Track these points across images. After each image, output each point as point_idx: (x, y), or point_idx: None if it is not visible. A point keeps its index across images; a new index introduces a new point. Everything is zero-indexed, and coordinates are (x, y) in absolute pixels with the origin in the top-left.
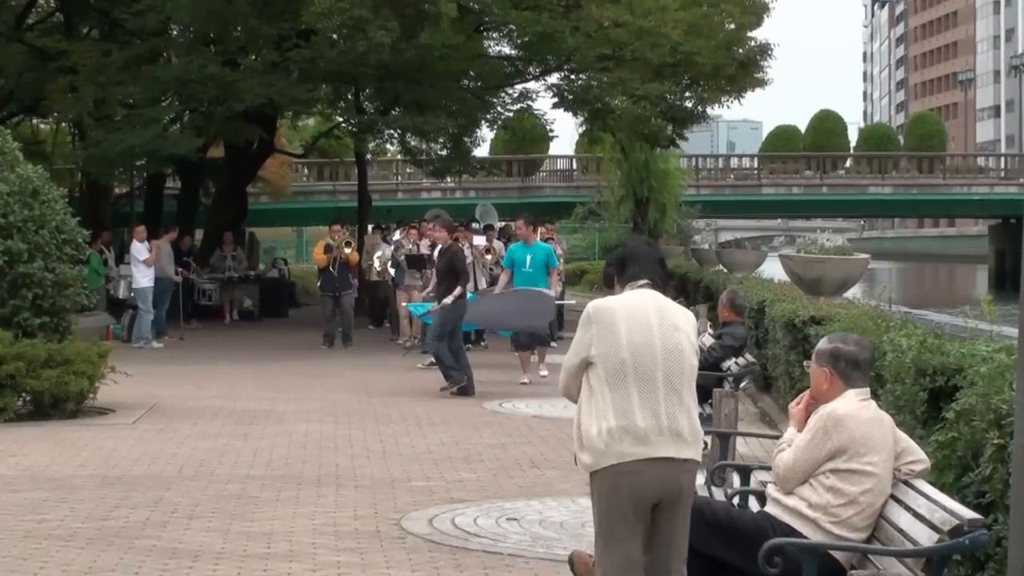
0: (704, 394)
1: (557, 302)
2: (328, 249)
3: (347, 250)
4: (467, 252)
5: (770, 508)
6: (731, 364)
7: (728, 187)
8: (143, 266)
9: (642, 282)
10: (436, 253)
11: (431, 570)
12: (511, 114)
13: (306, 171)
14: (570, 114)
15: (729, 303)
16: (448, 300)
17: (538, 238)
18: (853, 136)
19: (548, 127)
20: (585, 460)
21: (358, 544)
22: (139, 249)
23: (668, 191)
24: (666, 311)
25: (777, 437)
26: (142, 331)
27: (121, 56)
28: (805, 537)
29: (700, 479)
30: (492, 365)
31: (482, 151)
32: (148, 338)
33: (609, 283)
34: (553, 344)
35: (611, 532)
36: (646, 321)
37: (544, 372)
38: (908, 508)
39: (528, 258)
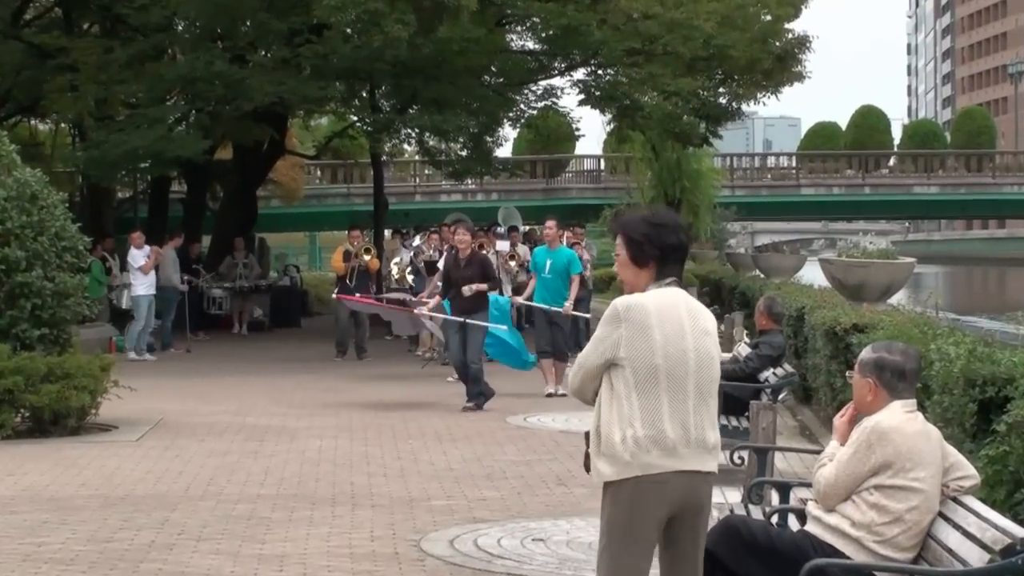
0: (740, 406)
1: (579, 313)
2: (347, 256)
3: (367, 257)
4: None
5: (810, 527)
6: (769, 375)
7: (765, 188)
8: (140, 274)
9: (671, 279)
10: (444, 259)
11: None
12: (535, 112)
13: (319, 173)
14: (597, 112)
15: (767, 310)
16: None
17: (563, 243)
18: (897, 133)
19: (574, 125)
20: (604, 470)
21: (375, 567)
22: (136, 256)
23: (701, 192)
24: (696, 314)
25: (818, 452)
26: (131, 341)
27: (123, 53)
28: (848, 557)
29: (737, 497)
30: (516, 376)
31: (504, 151)
32: (140, 347)
33: (640, 257)
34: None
35: (624, 547)
36: (680, 325)
37: (556, 389)
38: (957, 526)
39: (548, 263)
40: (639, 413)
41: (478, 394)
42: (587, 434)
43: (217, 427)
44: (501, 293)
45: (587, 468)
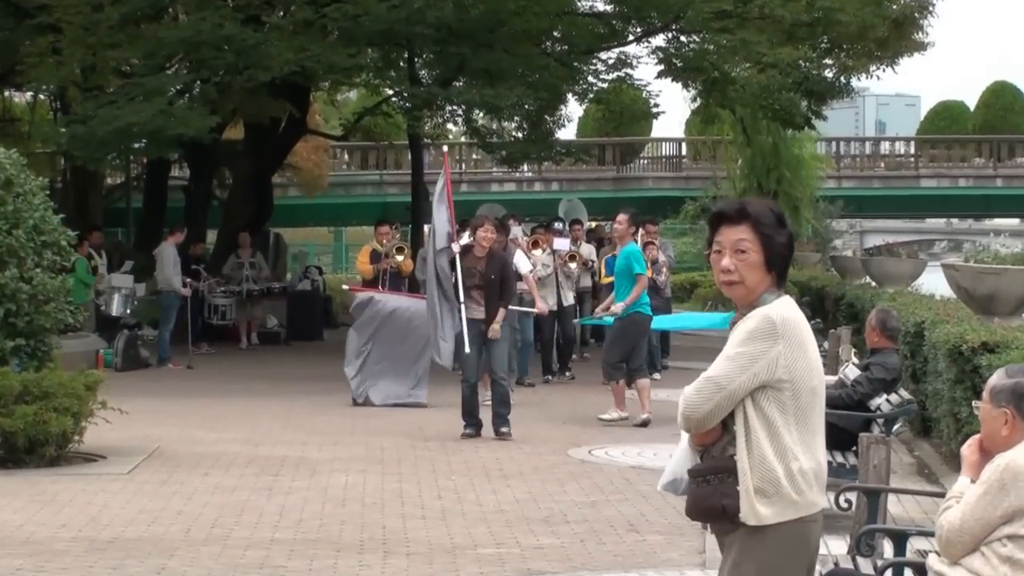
0: (847, 439)
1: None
2: (375, 256)
3: (399, 257)
4: (545, 259)
5: None
6: (881, 402)
7: (877, 178)
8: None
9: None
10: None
11: None
12: (605, 86)
13: (347, 157)
14: (679, 85)
15: (879, 325)
16: (496, 323)
17: (635, 241)
18: None
19: (651, 102)
20: (764, 511)
21: None
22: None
23: (802, 183)
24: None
25: (939, 495)
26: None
27: (115, 12)
28: None
29: (843, 547)
30: (579, 401)
31: (568, 132)
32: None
33: (775, 260)
34: (656, 376)
35: None
36: (812, 340)
37: (646, 415)
38: None
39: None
40: (799, 443)
41: (504, 420)
42: (699, 470)
43: (223, 458)
44: (560, 304)
45: (709, 510)
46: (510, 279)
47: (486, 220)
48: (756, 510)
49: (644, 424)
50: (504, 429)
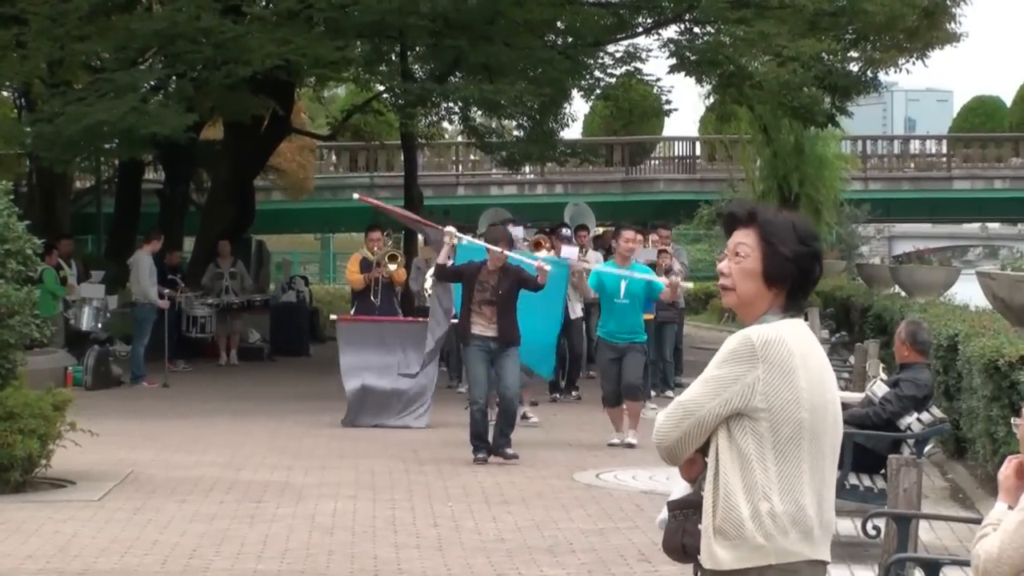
0: (875, 462)
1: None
2: (366, 265)
3: (392, 266)
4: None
5: None
6: (912, 421)
7: (907, 180)
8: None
9: (795, 311)
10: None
11: None
12: (613, 81)
13: (334, 159)
14: (693, 80)
15: (910, 339)
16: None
17: (650, 247)
18: None
19: (663, 98)
20: (723, 555)
21: None
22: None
23: (825, 185)
24: (822, 351)
25: (975, 521)
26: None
27: (84, 2)
28: None
29: None
30: (585, 422)
31: (573, 131)
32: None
33: (776, 274)
34: (669, 393)
35: None
36: (819, 369)
37: (632, 439)
38: None
39: (623, 285)
40: (776, 482)
41: (508, 440)
42: (675, 503)
43: (202, 483)
44: (568, 315)
45: (672, 549)
46: (530, 278)
47: (502, 240)
48: (713, 552)
49: (628, 446)
50: (510, 451)
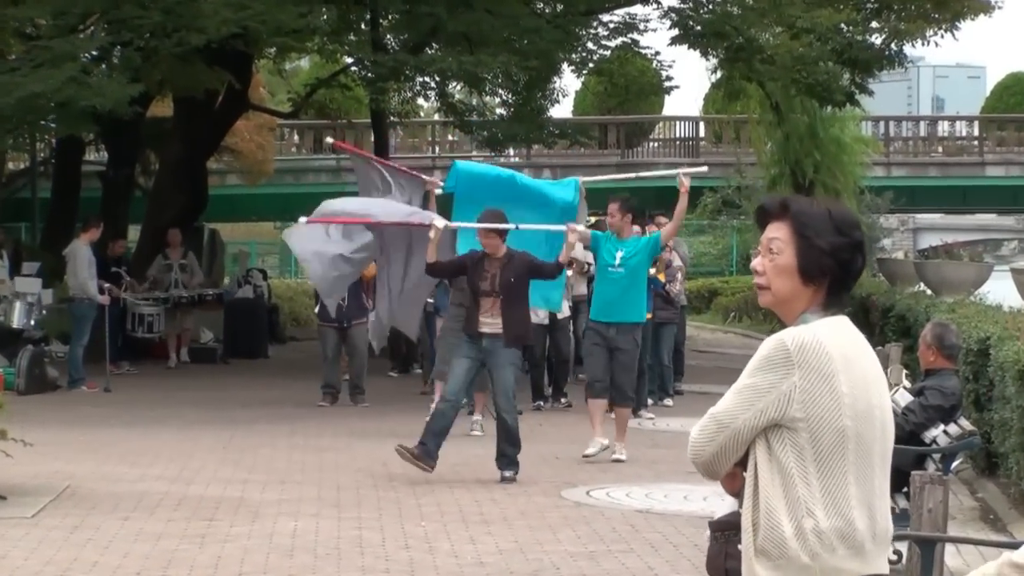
0: (898, 478)
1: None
2: None
3: None
4: None
5: None
6: (938, 434)
7: (934, 165)
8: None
9: (837, 310)
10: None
11: None
12: (607, 53)
13: (297, 138)
14: (696, 54)
15: (936, 342)
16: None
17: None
18: None
19: (663, 74)
20: (767, 575)
21: None
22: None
23: (843, 171)
24: (871, 352)
25: (1008, 545)
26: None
27: None
28: None
29: None
30: (575, 431)
31: (563, 109)
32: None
33: (813, 270)
34: (668, 402)
35: None
36: (864, 372)
37: (621, 455)
38: None
39: (619, 254)
40: (820, 496)
41: (512, 459)
42: (716, 523)
43: (148, 499)
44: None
45: (715, 572)
46: (544, 264)
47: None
48: (755, 574)
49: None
50: (509, 473)
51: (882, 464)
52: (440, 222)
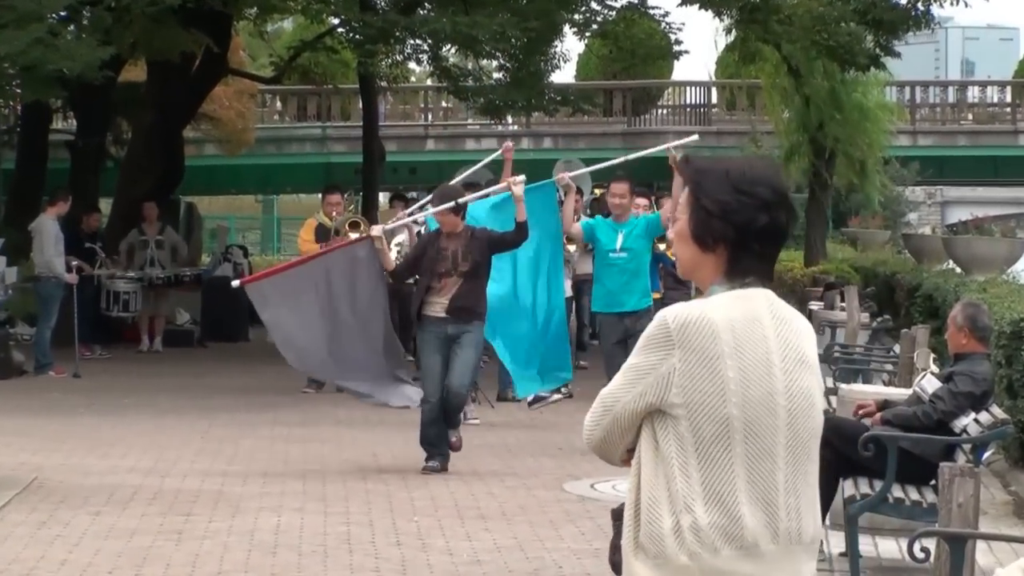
0: (924, 471)
1: None
2: (322, 233)
3: (353, 235)
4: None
5: None
6: (968, 422)
7: (963, 134)
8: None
9: (750, 278)
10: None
11: None
12: (612, 14)
13: (279, 105)
14: (708, 14)
15: (968, 324)
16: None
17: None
18: None
19: (672, 36)
20: (643, 574)
21: None
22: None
23: (867, 140)
24: (788, 330)
25: None
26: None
27: None
28: None
29: None
30: (577, 422)
31: (565, 74)
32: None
33: (704, 235)
34: None
35: None
36: (764, 353)
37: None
38: None
39: (619, 238)
40: (701, 488)
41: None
42: (615, 512)
43: (120, 493)
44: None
45: (615, 566)
46: (504, 236)
47: (447, 199)
48: (634, 571)
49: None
50: (434, 463)
51: (791, 456)
52: (376, 229)
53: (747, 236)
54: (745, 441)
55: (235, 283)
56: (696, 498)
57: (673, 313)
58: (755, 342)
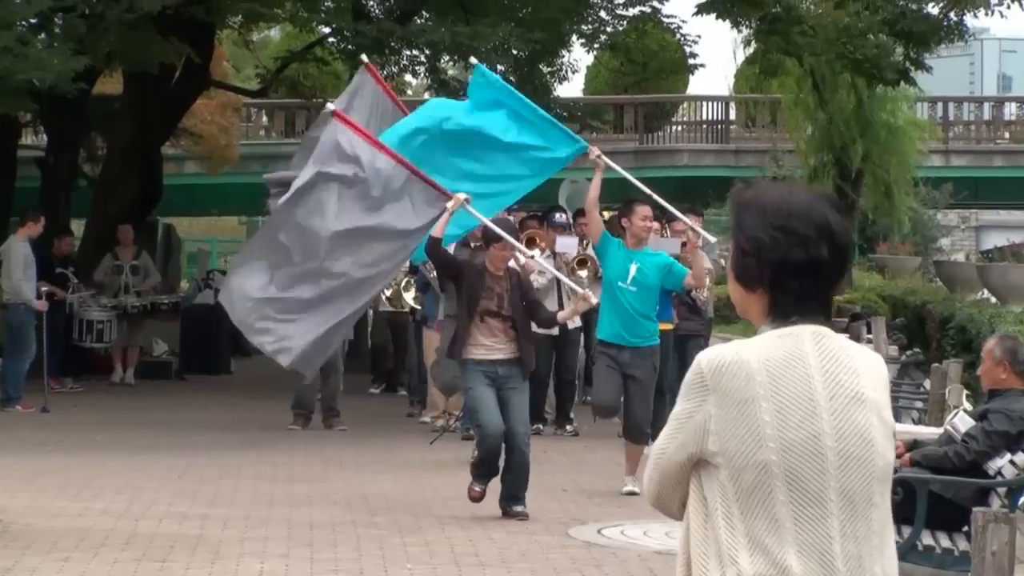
0: (956, 516)
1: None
2: None
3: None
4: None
5: None
6: (1004, 464)
7: (999, 154)
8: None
9: (795, 318)
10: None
11: None
12: (623, 25)
13: (265, 120)
14: (726, 24)
15: (1007, 357)
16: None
17: (668, 236)
18: None
19: (687, 49)
20: None
21: None
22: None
23: (897, 160)
24: (839, 368)
25: None
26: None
27: None
28: None
29: None
30: (585, 461)
31: (572, 88)
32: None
33: (744, 274)
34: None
35: None
36: (807, 392)
37: (634, 487)
38: None
39: (633, 268)
40: (745, 540)
41: (521, 498)
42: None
43: (92, 537)
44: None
45: None
46: (543, 309)
47: (507, 231)
48: None
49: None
50: (520, 508)
51: (847, 501)
52: (460, 197)
53: (783, 275)
54: (788, 487)
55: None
56: (740, 549)
57: (707, 357)
58: (795, 382)
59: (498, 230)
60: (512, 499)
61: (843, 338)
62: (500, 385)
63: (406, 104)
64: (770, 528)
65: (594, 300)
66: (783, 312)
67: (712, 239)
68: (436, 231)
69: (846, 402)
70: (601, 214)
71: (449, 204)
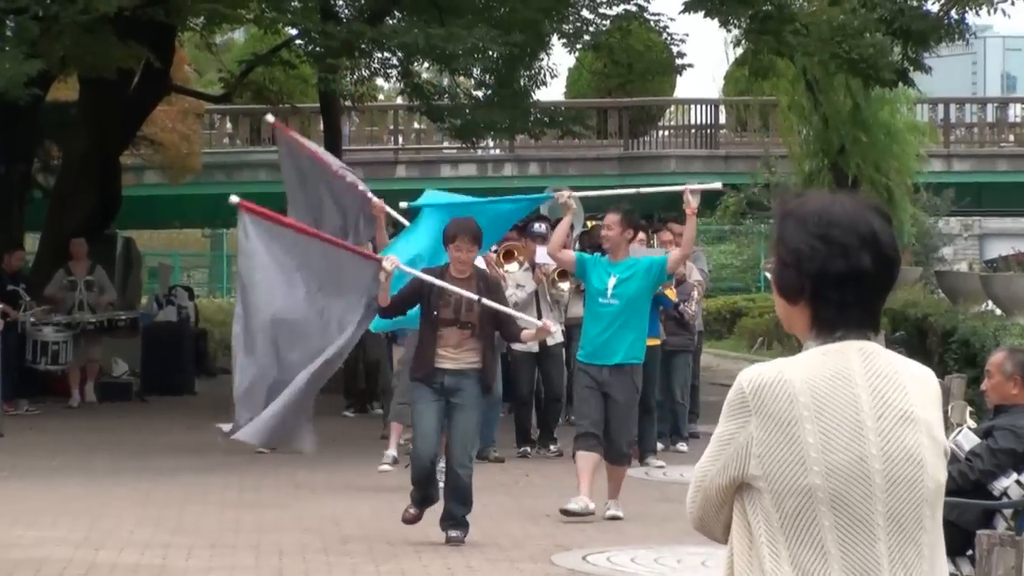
0: (960, 539)
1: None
2: None
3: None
4: (521, 277)
5: None
6: (1009, 484)
7: (1003, 158)
8: None
9: (840, 332)
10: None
11: None
12: (606, 24)
13: (229, 127)
14: (715, 23)
15: (1019, 372)
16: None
17: (655, 247)
18: None
19: (674, 49)
20: None
21: None
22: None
23: (896, 165)
24: (888, 386)
25: None
26: None
27: None
28: None
29: None
30: (568, 486)
31: (553, 92)
32: None
33: (785, 287)
34: (682, 446)
35: None
36: (853, 413)
37: (617, 511)
38: None
39: (612, 281)
40: (790, 568)
41: (459, 520)
42: None
43: (48, 567)
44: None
45: None
46: (509, 320)
47: (460, 236)
48: None
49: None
50: (455, 533)
51: (896, 526)
52: (389, 263)
53: (824, 286)
54: (833, 512)
55: (233, 198)
56: (783, 575)
57: (748, 376)
58: (841, 403)
59: (430, 278)
60: (449, 520)
61: (892, 354)
62: (448, 398)
63: (376, 109)
64: (816, 555)
65: (553, 330)
66: (827, 325)
67: (717, 184)
68: (381, 301)
69: (894, 422)
70: (586, 224)
71: (381, 276)
